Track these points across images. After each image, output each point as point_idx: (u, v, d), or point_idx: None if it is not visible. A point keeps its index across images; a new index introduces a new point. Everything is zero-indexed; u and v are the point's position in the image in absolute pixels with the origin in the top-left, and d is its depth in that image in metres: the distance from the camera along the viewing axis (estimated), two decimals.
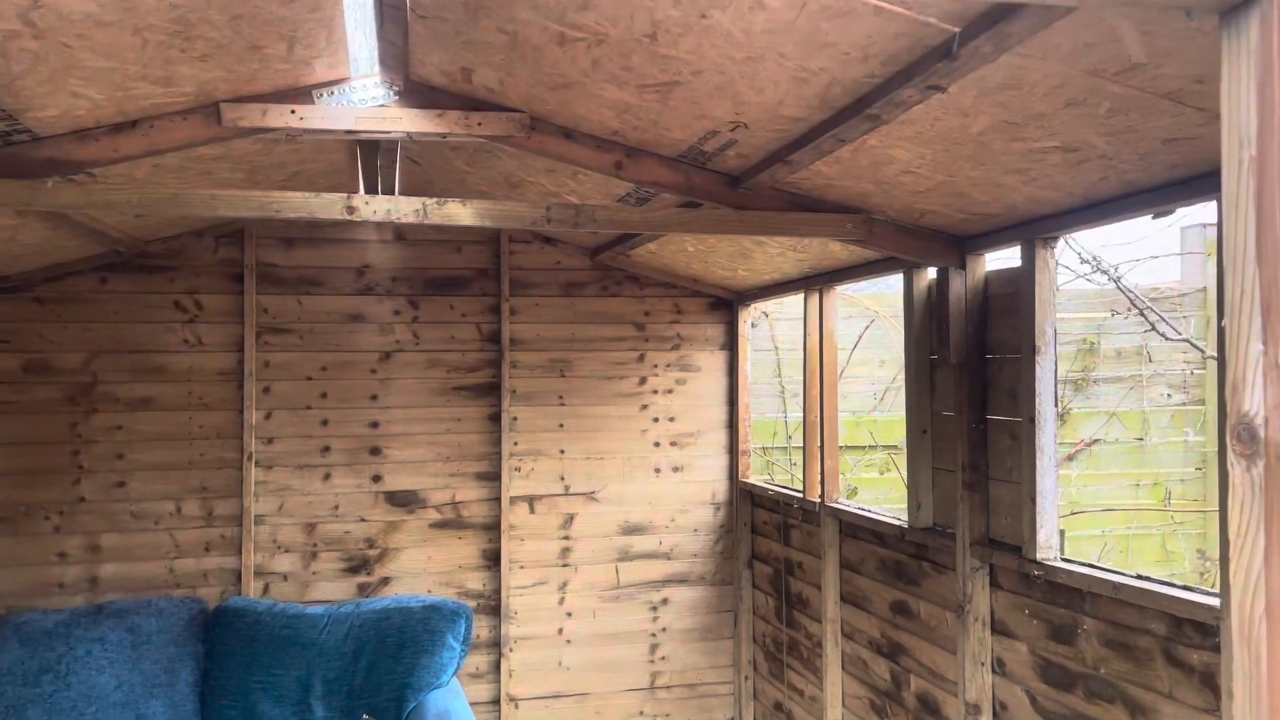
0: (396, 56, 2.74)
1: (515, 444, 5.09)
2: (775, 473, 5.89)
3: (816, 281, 4.41)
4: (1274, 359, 1.06)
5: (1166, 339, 5.53)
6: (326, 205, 3.01)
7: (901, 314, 3.78)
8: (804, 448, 4.62)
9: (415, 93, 2.91)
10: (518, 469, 5.09)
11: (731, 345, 5.34)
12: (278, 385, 4.83)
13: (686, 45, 2.20)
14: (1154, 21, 1.66)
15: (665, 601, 5.26)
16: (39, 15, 2.05)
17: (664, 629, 5.26)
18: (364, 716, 4.15)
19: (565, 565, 5.15)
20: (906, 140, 2.49)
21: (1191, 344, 5.64)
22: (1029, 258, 3.00)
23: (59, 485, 4.60)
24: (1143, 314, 5.35)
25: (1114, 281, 5.01)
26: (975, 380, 3.31)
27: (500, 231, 5.04)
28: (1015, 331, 3.10)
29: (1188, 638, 2.44)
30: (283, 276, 4.85)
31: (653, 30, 2.16)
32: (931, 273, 3.58)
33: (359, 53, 2.73)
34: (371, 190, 3.19)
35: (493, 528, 5.06)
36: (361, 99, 2.87)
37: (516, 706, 5.07)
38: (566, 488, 5.16)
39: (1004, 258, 3.30)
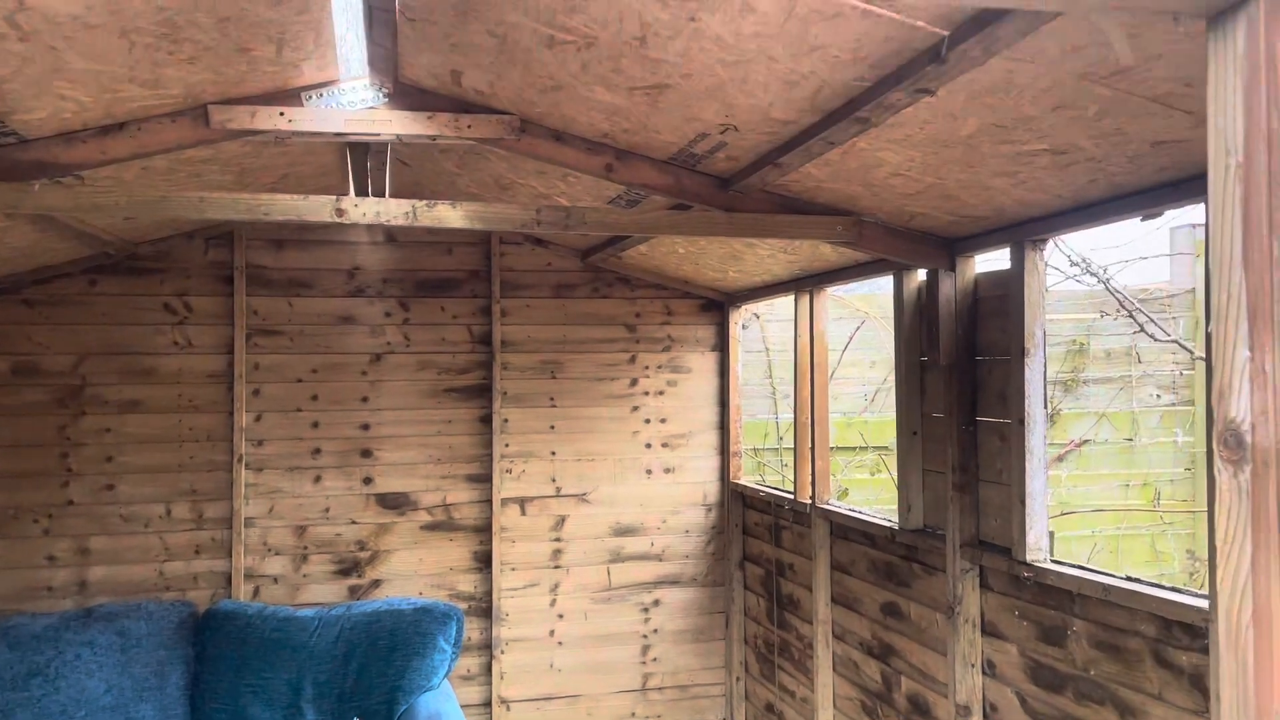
0: (386, 59, 2.73)
1: (506, 446, 5.08)
2: (766, 474, 5.89)
3: (807, 283, 4.41)
4: (1260, 365, 1.06)
5: (1156, 340, 5.55)
6: (315, 208, 3.00)
7: (892, 315, 3.78)
8: (795, 449, 4.62)
9: (405, 95, 2.90)
10: (509, 471, 5.08)
11: (722, 347, 5.34)
12: (268, 387, 4.81)
13: (676, 48, 2.19)
14: (1142, 25, 1.66)
15: (657, 603, 5.26)
16: (24, 18, 2.04)
17: (655, 630, 5.26)
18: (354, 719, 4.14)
19: (557, 567, 5.14)
20: (896, 143, 2.50)
21: (1180, 345, 5.66)
22: (1018, 260, 3.01)
23: (48, 488, 4.58)
24: (1132, 315, 5.36)
25: (1103, 283, 5.03)
26: (965, 382, 3.31)
27: (491, 233, 5.04)
28: (1005, 333, 3.11)
29: (1177, 639, 2.45)
30: (273, 278, 4.84)
31: (642, 33, 2.15)
32: (921, 274, 3.58)
33: (348, 55, 2.72)
34: (361, 192, 3.18)
35: (484, 530, 5.05)
36: (351, 101, 2.87)
37: (508, 709, 5.07)
38: (558, 489, 5.15)
39: (993, 260, 3.30)
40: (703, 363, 5.33)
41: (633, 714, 5.22)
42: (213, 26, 2.28)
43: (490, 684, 5.04)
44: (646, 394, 5.25)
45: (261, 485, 4.80)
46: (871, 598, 3.97)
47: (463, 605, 5.00)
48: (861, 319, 6.02)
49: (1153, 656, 2.53)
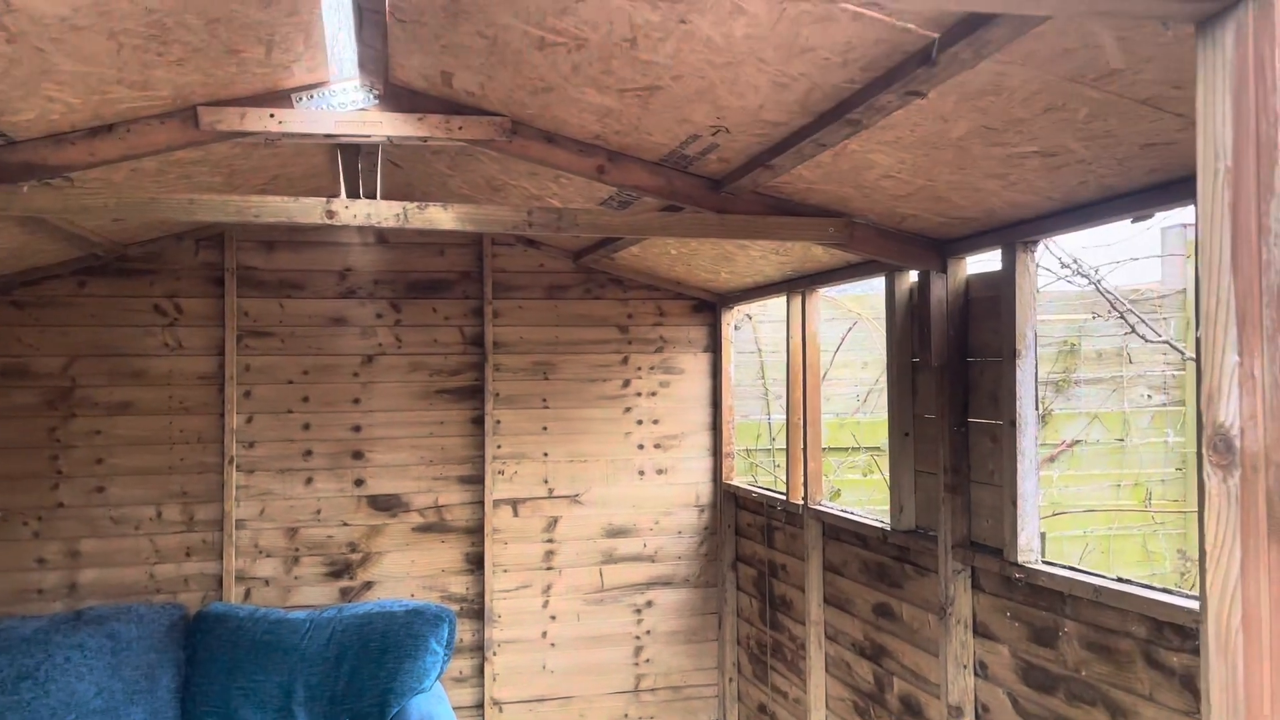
0: (376, 60, 2.72)
1: (498, 447, 5.07)
2: (759, 475, 5.90)
3: (799, 284, 4.41)
4: (1249, 369, 1.06)
5: (1147, 341, 5.57)
6: (306, 210, 2.99)
7: (884, 316, 3.78)
8: (787, 450, 4.62)
9: (395, 96, 2.89)
10: (501, 472, 5.08)
11: (715, 348, 5.34)
12: (259, 389, 4.80)
13: (666, 50, 2.19)
14: (1132, 28, 1.66)
15: (649, 604, 5.25)
16: (11, 19, 2.03)
17: (648, 631, 5.25)
18: None
19: (549, 568, 5.14)
20: (887, 145, 2.50)
21: (1171, 345, 5.68)
22: (1009, 261, 3.01)
23: (37, 490, 4.56)
24: (1123, 316, 5.37)
25: (1094, 284, 5.04)
26: (957, 383, 3.32)
27: (483, 234, 5.03)
28: (996, 335, 3.11)
29: (1168, 640, 2.46)
30: (264, 279, 4.82)
31: (632, 35, 2.15)
32: (913, 276, 3.58)
33: (339, 56, 2.71)
34: (353, 194, 3.18)
35: (476, 531, 5.04)
36: (341, 103, 2.86)
37: (500, 710, 5.06)
38: (550, 491, 5.15)
39: (984, 261, 3.31)
40: (695, 364, 5.33)
41: (625, 715, 5.21)
42: (202, 28, 2.27)
43: (483, 686, 5.03)
44: (639, 395, 5.24)
45: (253, 487, 4.78)
46: (864, 599, 3.98)
47: (455, 607, 5.00)
48: (854, 320, 6.03)
49: (1144, 657, 2.53)
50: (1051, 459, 5.88)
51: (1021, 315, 2.98)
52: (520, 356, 5.11)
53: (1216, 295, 1.10)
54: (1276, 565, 1.03)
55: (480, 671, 5.04)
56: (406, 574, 4.96)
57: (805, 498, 4.40)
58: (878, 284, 4.15)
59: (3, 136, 2.67)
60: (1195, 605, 2.34)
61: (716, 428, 5.33)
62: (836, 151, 2.61)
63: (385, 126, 2.88)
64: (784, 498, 4.61)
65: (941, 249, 3.34)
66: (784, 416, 4.86)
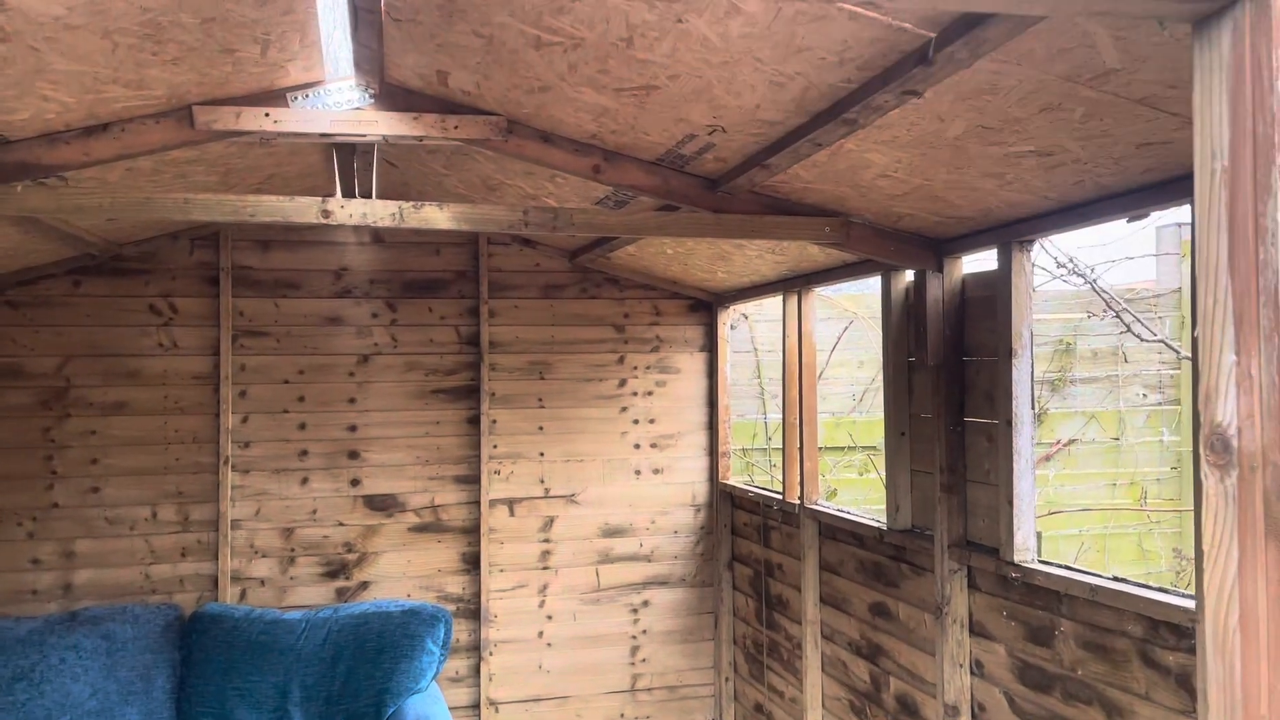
0: (372, 59, 2.71)
1: (495, 447, 5.07)
2: (755, 474, 5.90)
3: (795, 283, 4.41)
4: (1246, 369, 1.06)
5: (1142, 340, 5.58)
6: (301, 209, 2.98)
7: (880, 315, 3.78)
8: (783, 449, 4.62)
9: (391, 95, 2.89)
10: (497, 472, 5.07)
11: (711, 347, 5.34)
12: (254, 389, 4.79)
13: (663, 49, 2.19)
14: (1128, 27, 1.66)
15: (646, 604, 5.25)
16: (5, 18, 2.02)
17: (644, 631, 5.25)
18: None
19: (545, 568, 5.13)
20: (883, 144, 2.50)
21: (1167, 344, 5.68)
22: (1005, 260, 3.01)
23: (32, 491, 4.55)
24: (1118, 315, 5.38)
25: (1090, 283, 5.05)
26: (953, 382, 3.32)
27: (479, 233, 5.02)
28: (992, 334, 3.11)
29: (1164, 639, 2.46)
30: (259, 279, 4.81)
31: (629, 34, 2.15)
32: (909, 275, 3.58)
33: (334, 55, 2.71)
34: (348, 193, 3.17)
35: (472, 531, 5.03)
36: (337, 102, 2.85)
37: (497, 710, 5.06)
38: (546, 490, 5.14)
39: (981, 260, 3.31)
40: (691, 363, 5.33)
41: (622, 715, 5.21)
42: (197, 27, 2.26)
43: (479, 686, 5.03)
44: (635, 395, 5.24)
45: (248, 487, 4.77)
46: (860, 598, 3.98)
47: (451, 607, 4.99)
48: (850, 319, 6.03)
49: (1139, 656, 2.54)
50: (1047, 458, 5.89)
51: (1017, 314, 2.98)
52: (516, 356, 5.10)
53: (1213, 295, 1.10)
54: (1274, 565, 1.03)
55: (476, 671, 5.04)
56: (402, 574, 4.95)
57: (801, 497, 4.40)
58: (874, 283, 4.15)
59: None
60: (1191, 604, 2.34)
61: (713, 427, 5.33)
62: (833, 151, 2.61)
63: (381, 126, 2.87)
64: (780, 497, 4.61)
65: (938, 248, 3.34)
66: (780, 416, 4.86)
